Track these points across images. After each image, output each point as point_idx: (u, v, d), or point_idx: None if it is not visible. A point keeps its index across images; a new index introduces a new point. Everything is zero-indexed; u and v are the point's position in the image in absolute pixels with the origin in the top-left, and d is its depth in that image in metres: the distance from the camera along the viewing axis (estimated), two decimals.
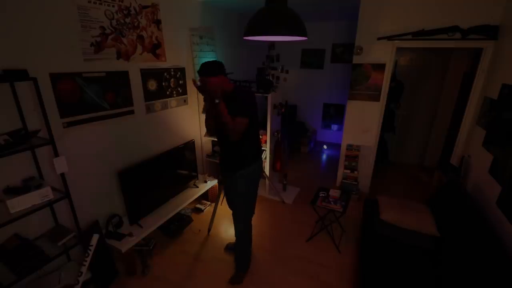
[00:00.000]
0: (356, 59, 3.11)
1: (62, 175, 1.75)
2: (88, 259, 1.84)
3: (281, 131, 3.34)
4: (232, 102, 1.72)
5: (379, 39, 2.91)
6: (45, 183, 1.72)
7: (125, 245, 2.11)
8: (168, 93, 2.82)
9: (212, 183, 3.19)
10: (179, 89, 2.96)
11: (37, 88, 1.56)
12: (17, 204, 1.54)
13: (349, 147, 3.45)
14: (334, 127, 5.48)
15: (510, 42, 2.25)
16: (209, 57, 3.37)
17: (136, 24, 2.33)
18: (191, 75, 3.13)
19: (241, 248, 2.20)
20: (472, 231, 1.79)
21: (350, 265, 2.35)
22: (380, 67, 3.03)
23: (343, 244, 2.59)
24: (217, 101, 1.64)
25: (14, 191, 1.59)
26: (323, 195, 2.65)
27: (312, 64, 5.18)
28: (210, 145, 3.61)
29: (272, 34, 1.61)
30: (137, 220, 2.37)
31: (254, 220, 2.19)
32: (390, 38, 2.85)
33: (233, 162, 1.91)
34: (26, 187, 1.64)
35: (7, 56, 1.56)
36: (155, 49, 2.57)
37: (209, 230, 2.77)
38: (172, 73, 2.83)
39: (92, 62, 2.02)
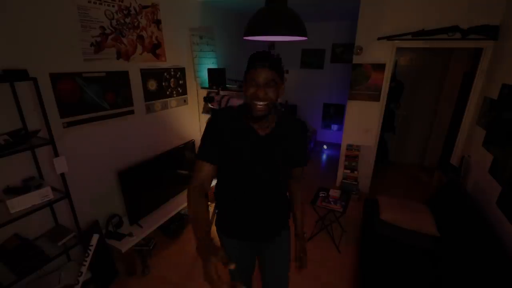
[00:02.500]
0: (356, 59, 3.11)
1: (62, 175, 1.75)
2: (88, 259, 1.84)
3: None
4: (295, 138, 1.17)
5: (379, 39, 2.91)
6: (45, 183, 1.72)
7: (125, 245, 2.11)
8: (168, 93, 2.82)
9: (212, 183, 3.18)
10: (179, 89, 2.96)
11: (37, 88, 1.56)
12: (17, 204, 1.54)
13: (349, 147, 3.45)
14: (334, 127, 5.48)
15: (510, 42, 2.24)
16: (209, 57, 3.37)
17: (136, 24, 2.33)
18: (191, 75, 3.13)
19: None
20: (472, 231, 1.79)
21: (350, 265, 2.35)
22: (380, 67, 3.03)
23: (343, 244, 2.59)
24: None
25: (14, 191, 1.59)
26: (323, 195, 2.65)
27: (312, 64, 5.17)
28: None
29: (272, 34, 1.61)
30: (137, 220, 2.37)
31: None
32: (390, 38, 2.85)
33: (281, 216, 1.30)
34: (26, 187, 1.64)
35: (7, 56, 1.56)
36: (155, 49, 2.57)
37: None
38: (172, 73, 2.83)
39: (92, 62, 2.02)
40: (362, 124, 3.33)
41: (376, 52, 3.00)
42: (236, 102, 2.41)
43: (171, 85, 2.85)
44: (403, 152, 4.55)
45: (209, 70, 3.13)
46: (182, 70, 2.97)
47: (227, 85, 3.18)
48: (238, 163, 1.12)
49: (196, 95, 3.25)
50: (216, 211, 1.32)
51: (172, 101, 2.90)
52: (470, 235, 1.79)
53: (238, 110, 1.14)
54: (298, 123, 1.20)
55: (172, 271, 2.27)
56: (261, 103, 1.00)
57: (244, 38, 1.75)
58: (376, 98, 3.16)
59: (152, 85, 2.61)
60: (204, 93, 3.22)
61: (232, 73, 3.50)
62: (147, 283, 2.16)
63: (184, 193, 2.89)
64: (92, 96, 2.06)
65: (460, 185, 2.41)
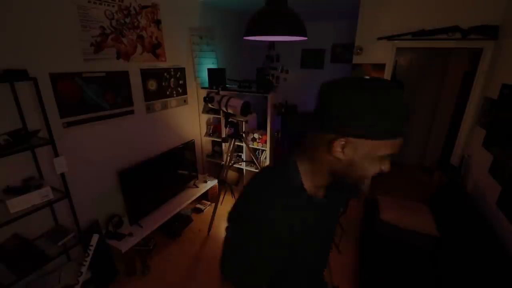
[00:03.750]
0: (356, 59, 3.11)
1: (62, 175, 1.75)
2: (88, 259, 1.84)
3: (281, 131, 3.34)
4: None
5: (379, 39, 2.91)
6: (45, 183, 1.72)
7: (125, 245, 2.11)
8: (168, 93, 2.82)
9: (212, 183, 3.19)
10: (179, 89, 2.96)
11: (37, 88, 1.56)
12: (17, 204, 1.54)
13: None
14: None
15: (510, 42, 2.24)
16: (209, 57, 3.37)
17: (136, 24, 2.33)
18: (191, 75, 3.13)
19: None
20: (472, 231, 1.79)
21: (350, 265, 2.35)
22: (380, 67, 3.03)
23: (343, 244, 2.58)
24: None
25: (14, 191, 1.59)
26: None
27: (312, 64, 5.17)
28: (210, 145, 3.61)
29: (272, 34, 1.61)
30: (137, 220, 2.37)
31: None
32: (390, 38, 2.85)
33: None
34: (26, 187, 1.64)
35: (7, 56, 1.56)
36: (155, 49, 2.57)
37: (209, 230, 2.77)
38: (172, 73, 2.83)
39: (92, 62, 2.02)
40: None
41: (376, 52, 2.99)
42: (236, 102, 2.40)
43: (171, 85, 2.85)
44: (403, 152, 4.55)
45: (209, 70, 3.13)
46: (182, 70, 2.97)
47: (227, 85, 3.18)
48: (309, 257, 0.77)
49: (196, 95, 3.25)
50: None
51: (172, 101, 2.90)
52: (470, 235, 1.79)
53: (294, 182, 0.67)
54: None
55: (172, 271, 2.27)
56: None
57: (244, 38, 1.75)
58: None
59: (152, 85, 2.61)
60: (204, 93, 3.22)
61: (232, 73, 3.50)
62: (147, 283, 2.16)
63: (184, 193, 2.90)
64: (92, 96, 2.06)
65: (460, 185, 2.41)
